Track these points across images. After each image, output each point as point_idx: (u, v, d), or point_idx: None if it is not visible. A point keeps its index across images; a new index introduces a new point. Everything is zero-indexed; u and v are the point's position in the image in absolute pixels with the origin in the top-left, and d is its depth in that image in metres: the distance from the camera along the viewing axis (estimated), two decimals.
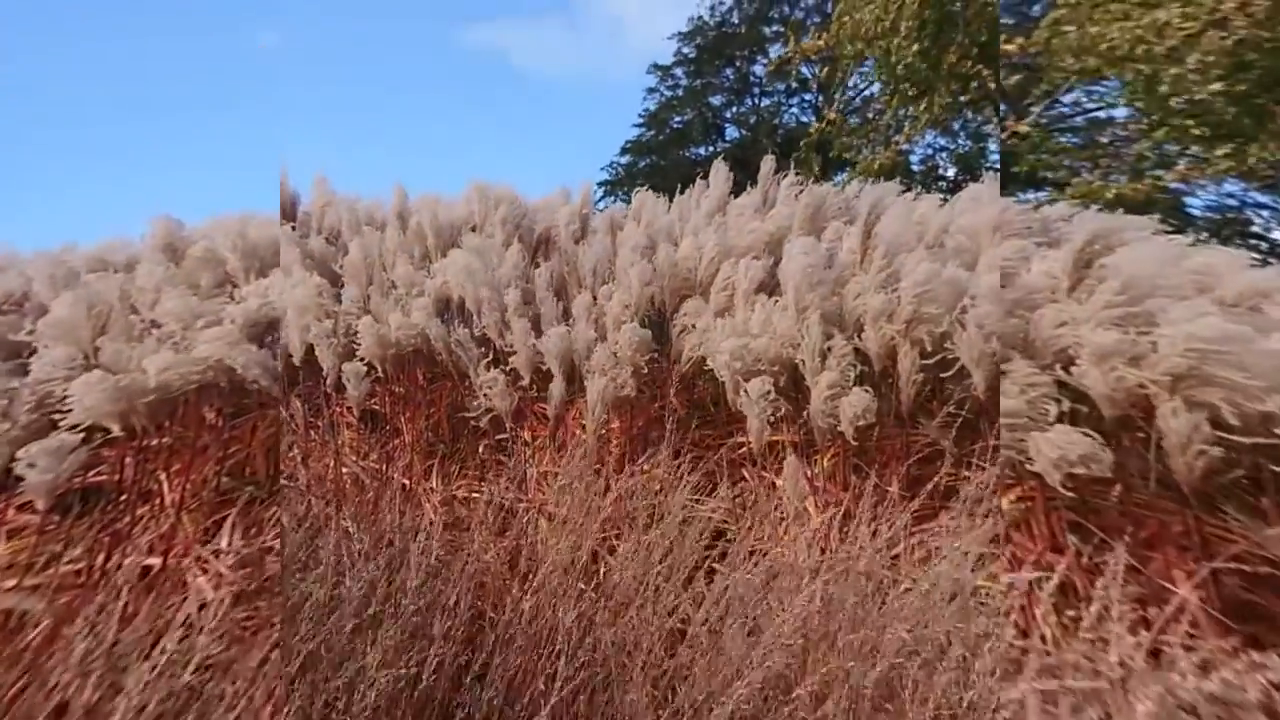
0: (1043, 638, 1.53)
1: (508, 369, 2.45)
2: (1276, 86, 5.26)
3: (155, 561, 1.89)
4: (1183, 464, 1.55)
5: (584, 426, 2.41)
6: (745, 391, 2.09)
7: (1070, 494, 1.66)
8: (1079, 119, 7.15)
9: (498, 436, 2.50)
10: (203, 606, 1.60)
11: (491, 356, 2.51)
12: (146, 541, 1.92)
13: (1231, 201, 6.36)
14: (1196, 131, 5.61)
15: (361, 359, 2.49)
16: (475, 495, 2.33)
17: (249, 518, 2.07)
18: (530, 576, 1.86)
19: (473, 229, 2.96)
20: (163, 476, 2.13)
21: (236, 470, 2.27)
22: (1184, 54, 5.41)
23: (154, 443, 2.14)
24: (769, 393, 2.04)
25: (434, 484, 2.46)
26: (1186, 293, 1.80)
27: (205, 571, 1.89)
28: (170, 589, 1.77)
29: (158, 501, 2.08)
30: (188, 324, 2.12)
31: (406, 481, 2.44)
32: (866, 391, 1.96)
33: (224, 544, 1.99)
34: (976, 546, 1.64)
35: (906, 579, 1.70)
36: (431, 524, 2.10)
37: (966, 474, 2.06)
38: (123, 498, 2.04)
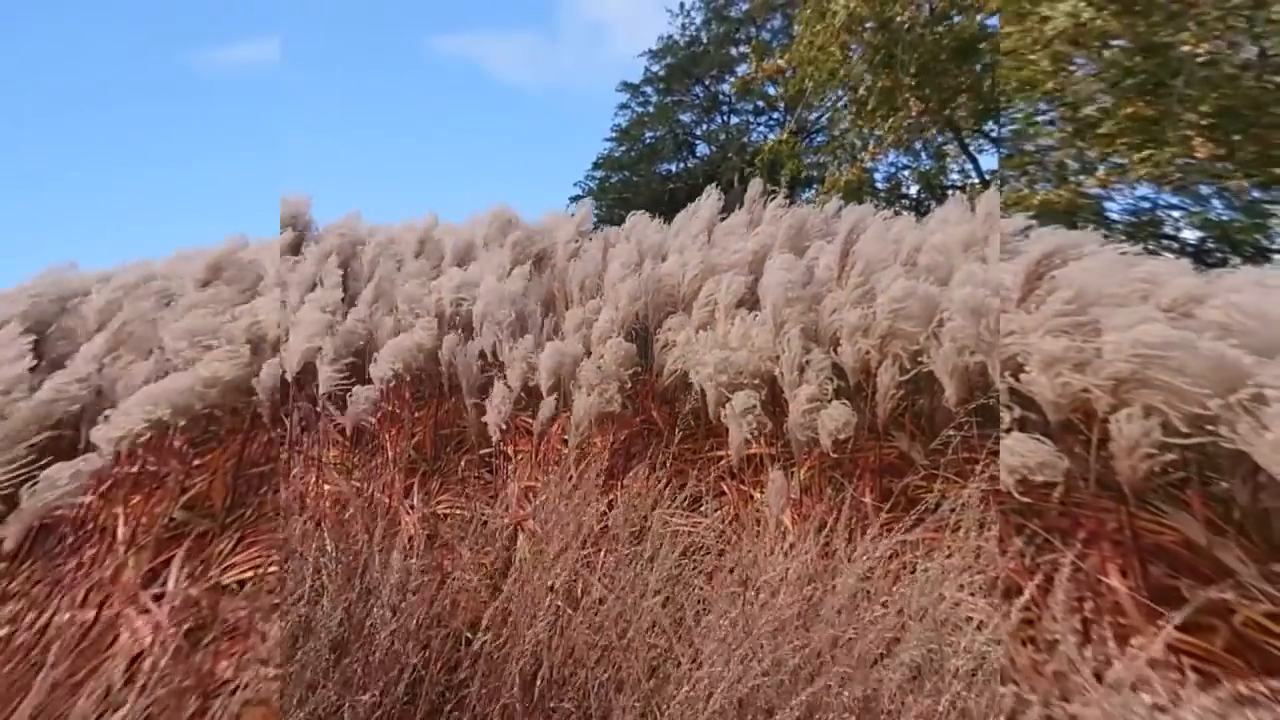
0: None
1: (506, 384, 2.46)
2: (1157, 89, 5.63)
3: (91, 615, 1.71)
4: (1128, 465, 1.63)
5: (566, 441, 2.42)
6: (730, 405, 2.13)
7: (1024, 499, 1.74)
8: (1003, 130, 7.60)
9: (482, 451, 2.49)
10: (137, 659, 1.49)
11: (491, 372, 2.53)
12: (84, 591, 1.76)
13: (1145, 204, 6.67)
14: (1107, 134, 5.97)
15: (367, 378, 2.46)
16: (458, 511, 2.31)
17: (198, 554, 1.95)
18: (511, 597, 1.85)
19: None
20: (119, 511, 2.00)
21: (193, 502, 2.16)
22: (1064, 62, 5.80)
23: (118, 472, 2.03)
24: (754, 406, 2.08)
25: (414, 501, 2.43)
26: (1129, 300, 1.90)
27: (147, 612, 1.72)
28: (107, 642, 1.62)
29: (109, 541, 1.94)
30: (193, 343, 2.10)
31: (388, 499, 2.40)
32: (844, 404, 2.02)
33: (170, 585, 1.84)
34: (957, 560, 1.70)
35: (882, 595, 1.74)
36: (411, 541, 2.08)
37: (938, 486, 2.14)
38: (75, 536, 1.90)
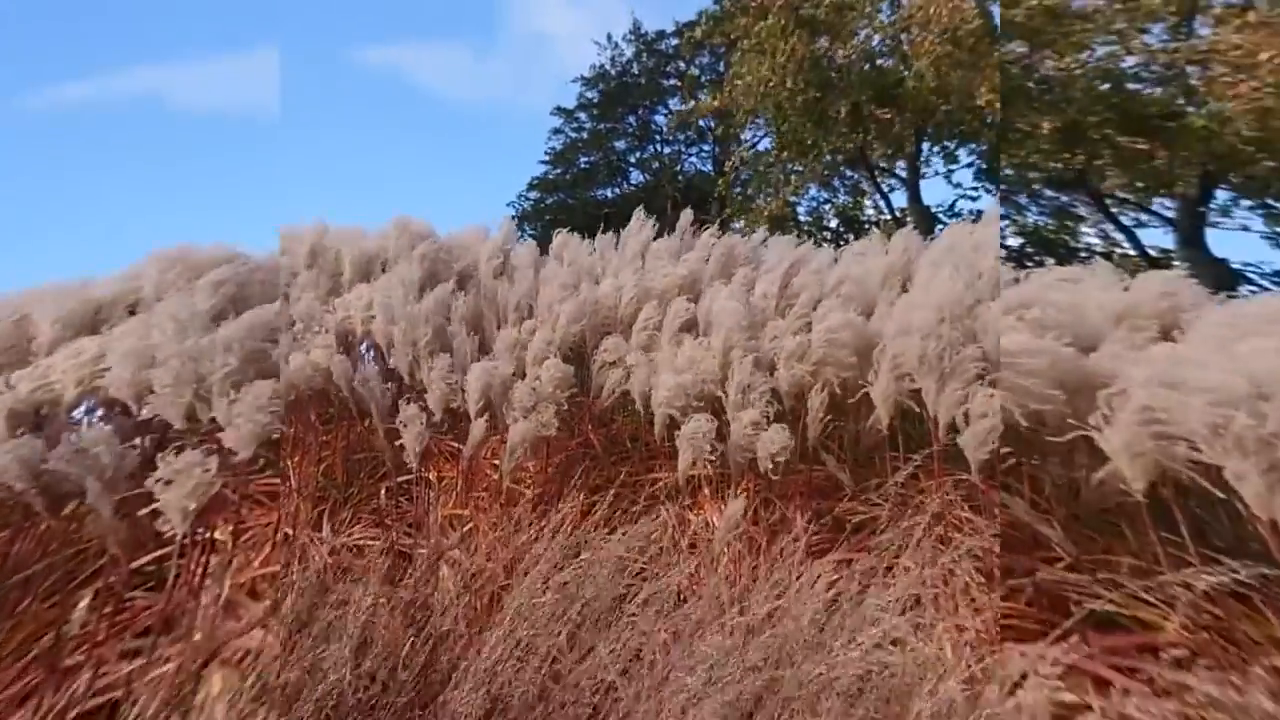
0: None
1: (422, 406, 2.30)
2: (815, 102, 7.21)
3: None
4: (974, 455, 1.87)
5: (497, 466, 2.30)
6: (684, 428, 2.13)
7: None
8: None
9: (400, 478, 2.32)
10: None
11: (399, 394, 2.35)
12: None
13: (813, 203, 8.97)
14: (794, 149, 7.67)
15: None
16: (372, 542, 2.13)
17: None
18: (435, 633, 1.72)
19: (382, 266, 2.81)
20: None
21: None
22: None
23: None
24: (707, 431, 2.09)
25: (324, 533, 2.22)
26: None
27: None
28: None
29: None
30: None
31: (290, 530, 2.18)
32: (783, 428, 2.05)
33: None
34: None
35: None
36: (320, 577, 1.90)
37: (862, 509, 2.20)
38: None
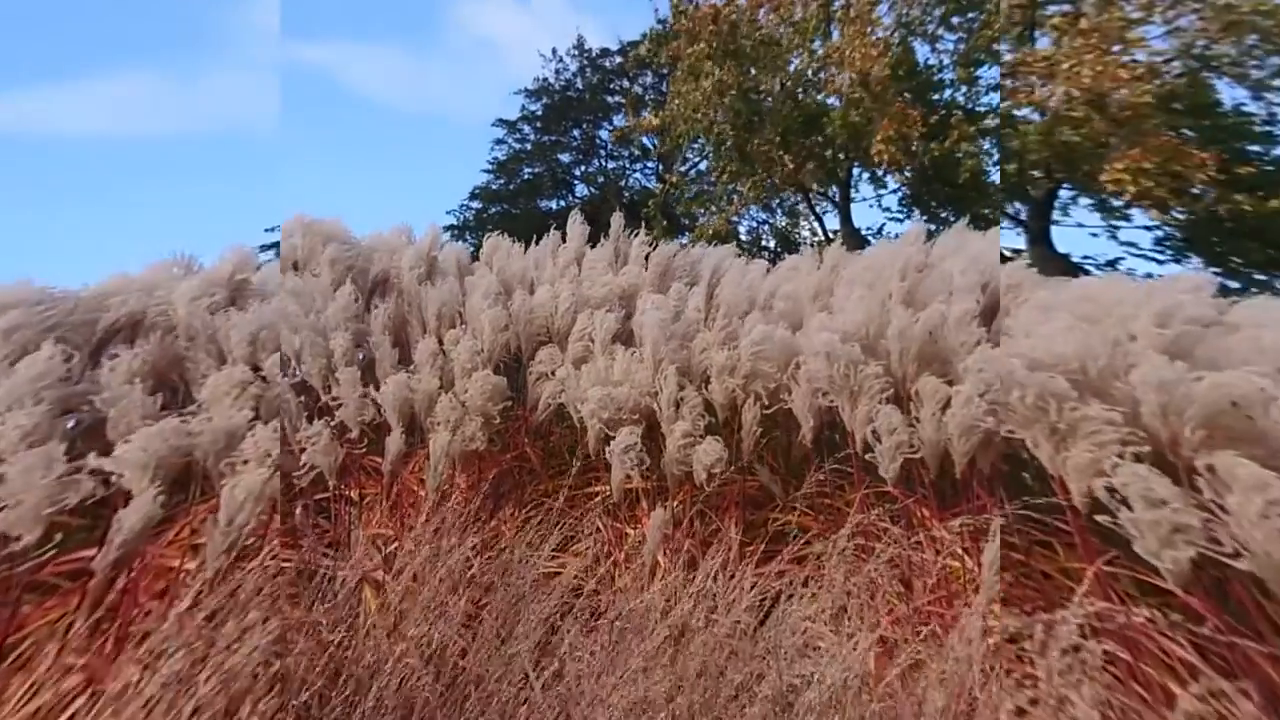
0: None
1: (333, 421, 2.19)
2: (747, 128, 7.88)
3: None
4: (886, 459, 2.01)
5: (424, 481, 2.21)
6: (612, 442, 2.11)
7: None
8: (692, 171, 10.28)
9: (316, 496, 2.19)
10: None
11: (315, 407, 2.23)
12: None
13: (753, 223, 10.06)
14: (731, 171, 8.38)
15: None
16: (286, 565, 2.00)
17: None
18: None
19: (294, 266, 2.65)
20: None
21: None
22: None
23: None
24: (635, 444, 2.07)
25: None
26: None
27: None
28: None
29: None
30: None
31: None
32: (717, 440, 2.06)
33: None
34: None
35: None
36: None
37: (790, 518, 2.25)
38: None
